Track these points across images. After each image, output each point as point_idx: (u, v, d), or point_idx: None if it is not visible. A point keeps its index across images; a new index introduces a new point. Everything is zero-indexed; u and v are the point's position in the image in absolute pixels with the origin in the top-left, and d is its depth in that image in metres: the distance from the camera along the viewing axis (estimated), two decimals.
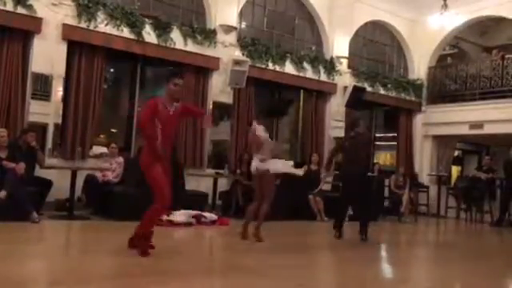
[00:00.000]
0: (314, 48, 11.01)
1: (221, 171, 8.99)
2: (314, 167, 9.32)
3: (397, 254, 6.48)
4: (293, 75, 10.28)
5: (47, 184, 6.74)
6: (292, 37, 10.78)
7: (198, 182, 8.57)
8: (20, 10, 7.13)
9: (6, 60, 7.14)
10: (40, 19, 7.30)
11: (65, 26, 7.54)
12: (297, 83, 10.47)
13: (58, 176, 6.96)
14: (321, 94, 10.89)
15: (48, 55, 7.42)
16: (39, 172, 6.92)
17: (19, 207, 5.94)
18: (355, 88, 10.94)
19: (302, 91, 10.91)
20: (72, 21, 7.62)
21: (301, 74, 10.40)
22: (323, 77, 10.73)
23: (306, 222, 8.44)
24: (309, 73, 10.51)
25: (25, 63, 7.34)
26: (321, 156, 9.91)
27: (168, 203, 4.37)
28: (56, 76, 7.53)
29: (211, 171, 8.95)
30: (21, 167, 6.17)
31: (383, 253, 6.27)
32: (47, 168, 6.88)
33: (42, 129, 7.36)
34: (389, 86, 12.01)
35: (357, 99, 10.96)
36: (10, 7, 7.05)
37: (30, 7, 7.18)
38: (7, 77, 7.14)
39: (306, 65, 10.47)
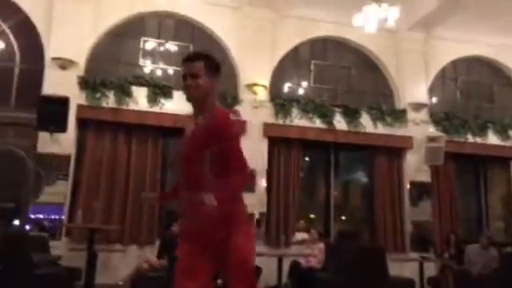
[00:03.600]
0: None
1: (426, 255, 8.39)
2: None
3: None
4: (498, 146, 9.38)
5: (257, 271, 7.21)
6: (492, 105, 9.98)
7: (402, 267, 8.11)
8: None
9: None
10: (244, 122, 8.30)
11: (265, 124, 8.40)
12: (504, 154, 9.48)
13: (266, 263, 7.40)
14: None
15: (252, 152, 8.28)
16: None
17: None
18: None
19: (511, 162, 9.79)
20: (271, 119, 8.47)
21: (507, 144, 9.42)
22: None
23: None
24: None
25: None
26: None
27: None
28: (259, 170, 8.30)
29: (415, 255, 8.42)
30: None
31: None
32: (257, 255, 7.37)
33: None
34: None
35: None
36: None
37: None
38: None
39: None
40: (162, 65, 8.45)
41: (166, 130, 7.83)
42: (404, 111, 9.11)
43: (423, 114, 9.20)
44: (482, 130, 9.34)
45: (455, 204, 9.14)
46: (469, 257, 7.67)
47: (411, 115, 9.12)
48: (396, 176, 8.93)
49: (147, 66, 8.39)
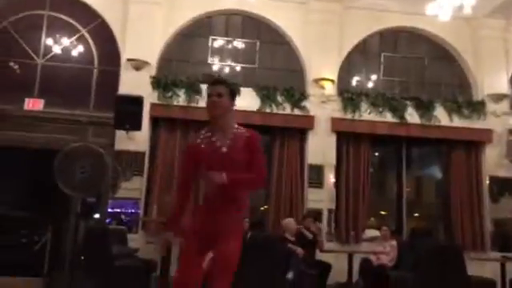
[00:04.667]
0: None
1: (508, 254, 7.87)
2: None
3: None
4: None
5: (327, 267, 7.14)
6: None
7: (482, 266, 7.67)
8: (296, 111, 8.24)
9: (288, 155, 8.20)
10: (312, 117, 8.24)
11: (333, 119, 8.27)
12: None
13: (335, 259, 7.31)
14: None
15: (320, 147, 8.21)
16: (320, 256, 7.41)
17: None
18: None
19: None
20: (339, 114, 8.32)
21: None
22: None
23: None
24: None
25: (302, 156, 8.28)
26: None
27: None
28: (327, 165, 8.20)
29: (496, 254, 7.94)
30: (301, 251, 6.73)
31: None
32: (326, 252, 7.32)
33: (317, 214, 8.00)
34: None
35: None
36: (288, 111, 8.23)
37: (304, 108, 8.24)
38: (289, 170, 8.15)
39: None
40: (229, 62, 8.58)
41: None
42: (482, 103, 8.61)
43: (504, 106, 8.64)
44: None
45: None
46: None
47: (491, 107, 8.60)
48: (474, 171, 8.47)
49: (216, 64, 8.57)
